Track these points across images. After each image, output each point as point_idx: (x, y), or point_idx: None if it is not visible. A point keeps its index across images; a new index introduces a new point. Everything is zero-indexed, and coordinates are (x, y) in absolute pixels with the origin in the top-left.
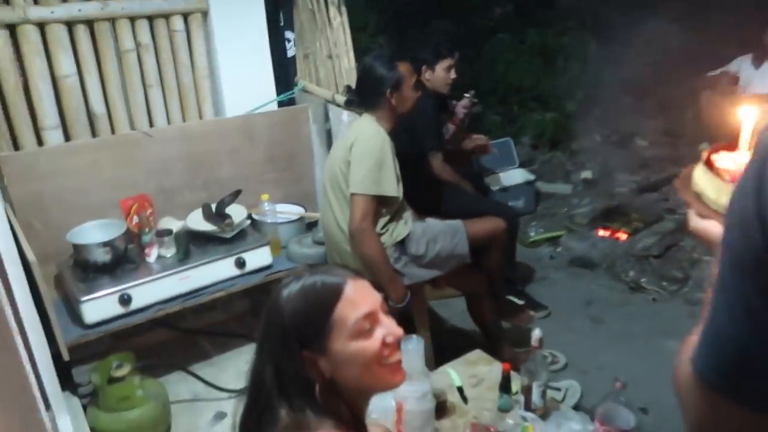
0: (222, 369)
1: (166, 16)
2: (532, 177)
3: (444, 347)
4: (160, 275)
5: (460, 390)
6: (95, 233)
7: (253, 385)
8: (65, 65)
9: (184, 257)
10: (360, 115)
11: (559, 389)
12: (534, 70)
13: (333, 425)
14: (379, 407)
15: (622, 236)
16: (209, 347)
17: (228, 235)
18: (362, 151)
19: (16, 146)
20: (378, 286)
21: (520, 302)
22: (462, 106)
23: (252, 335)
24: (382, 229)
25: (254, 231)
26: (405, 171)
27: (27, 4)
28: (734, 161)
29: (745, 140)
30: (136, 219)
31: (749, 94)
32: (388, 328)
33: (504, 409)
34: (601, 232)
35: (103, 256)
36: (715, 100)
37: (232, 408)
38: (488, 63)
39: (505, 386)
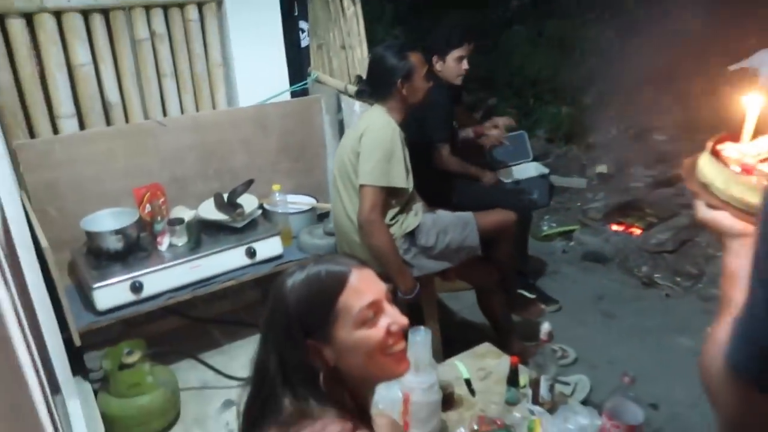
0: (232, 357)
1: (181, 6)
2: (546, 170)
3: (453, 340)
4: (171, 263)
5: (468, 382)
6: (108, 221)
7: (257, 373)
8: (81, 54)
9: (195, 246)
10: (371, 106)
11: (568, 384)
12: (551, 62)
13: (336, 414)
14: (386, 398)
15: (636, 231)
16: (219, 336)
17: (239, 225)
18: (371, 142)
19: (32, 134)
20: (387, 277)
21: (531, 296)
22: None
23: None
24: (391, 220)
25: (265, 221)
26: (415, 162)
27: None
28: (740, 151)
29: (749, 130)
30: (148, 207)
31: None
32: (392, 316)
33: (511, 403)
34: (615, 227)
35: (115, 243)
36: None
37: (238, 396)
38: (504, 55)
39: (512, 379)
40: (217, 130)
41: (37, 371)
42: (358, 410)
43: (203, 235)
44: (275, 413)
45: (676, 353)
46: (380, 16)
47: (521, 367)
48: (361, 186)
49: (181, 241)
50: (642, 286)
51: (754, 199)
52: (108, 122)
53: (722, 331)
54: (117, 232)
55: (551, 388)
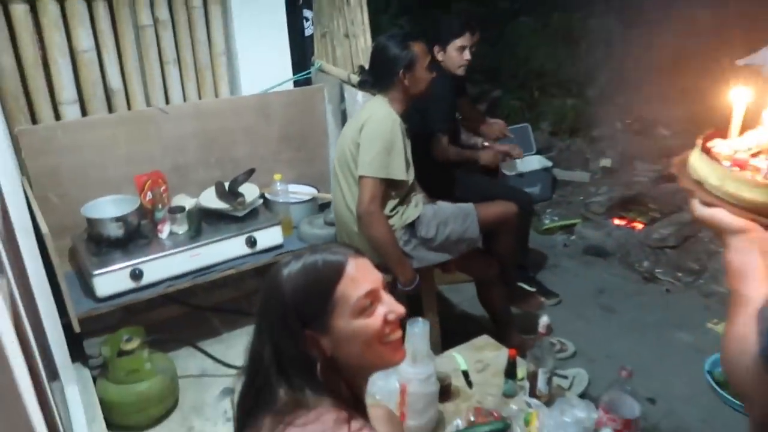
0: (231, 346)
1: None
2: (549, 164)
3: (452, 332)
4: (171, 251)
5: (465, 374)
6: (109, 208)
7: (251, 363)
8: (83, 40)
9: (195, 234)
10: (373, 96)
11: (566, 377)
12: (556, 54)
13: (332, 403)
14: (384, 388)
15: (638, 226)
16: (219, 324)
17: (240, 214)
18: (372, 133)
19: (34, 120)
20: (386, 268)
21: (532, 289)
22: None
23: None
24: (391, 211)
25: (266, 210)
26: (417, 153)
27: None
28: (731, 147)
29: (736, 125)
30: (149, 195)
31: None
32: (389, 305)
33: (508, 395)
34: (617, 221)
35: (116, 230)
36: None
37: (236, 385)
38: (510, 47)
39: (510, 372)
40: (219, 119)
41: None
42: (354, 399)
43: (204, 223)
44: (270, 403)
45: (675, 348)
46: (386, 7)
47: (519, 360)
48: (361, 177)
49: (181, 229)
50: (643, 281)
51: (750, 194)
52: (110, 109)
53: (742, 327)
54: (118, 219)
55: (549, 381)
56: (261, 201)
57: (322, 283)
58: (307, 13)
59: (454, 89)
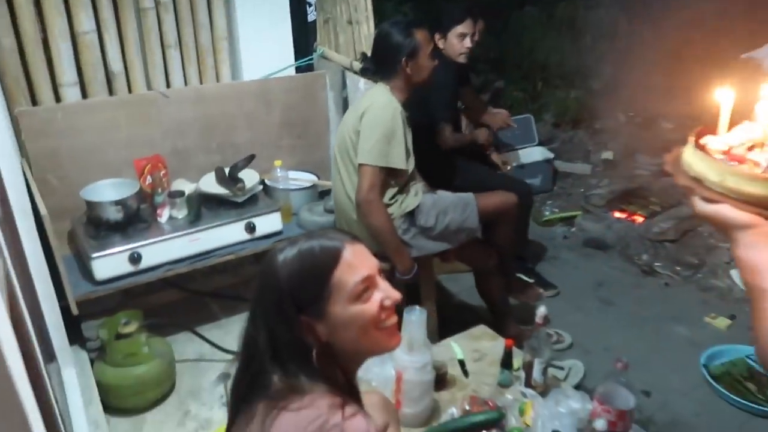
0: (228, 332)
1: None
2: (551, 155)
3: (450, 321)
4: (170, 236)
5: (462, 363)
6: (109, 191)
7: (245, 349)
8: (84, 21)
9: (195, 219)
10: (375, 84)
11: (562, 368)
12: (561, 46)
13: (326, 389)
14: (379, 376)
15: (639, 219)
16: (217, 309)
17: (240, 200)
18: (372, 121)
19: (34, 102)
20: (384, 256)
21: (530, 280)
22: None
23: None
24: (391, 199)
25: (266, 197)
26: (418, 142)
27: None
28: (725, 143)
29: (725, 121)
30: (149, 179)
31: None
32: (385, 291)
33: (504, 385)
34: (617, 214)
35: (115, 214)
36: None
37: (231, 370)
38: (515, 37)
39: (506, 362)
40: (220, 104)
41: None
42: (348, 385)
43: (203, 208)
44: (264, 389)
45: (672, 342)
46: None
47: (515, 350)
48: (360, 165)
49: (181, 213)
50: (642, 275)
51: (752, 188)
52: (110, 92)
53: None
54: (117, 202)
55: (544, 372)
56: (261, 187)
57: (319, 269)
58: None
59: (456, 78)
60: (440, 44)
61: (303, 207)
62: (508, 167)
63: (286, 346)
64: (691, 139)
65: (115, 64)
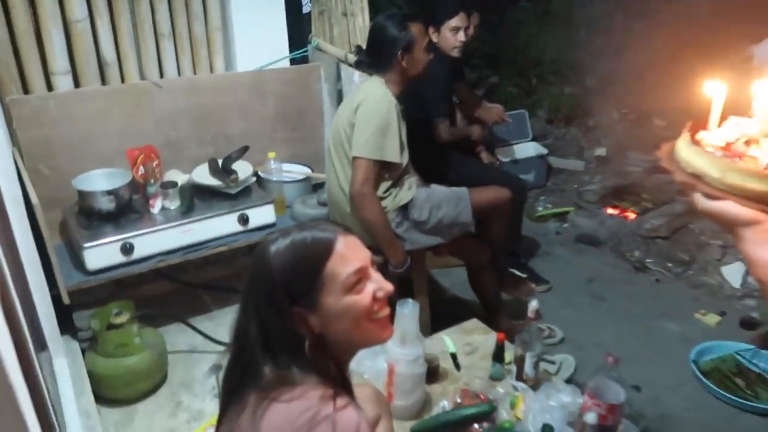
0: (221, 323)
1: None
2: (544, 151)
3: (442, 315)
4: (162, 226)
5: (454, 356)
6: (101, 181)
7: (236, 341)
8: (77, 9)
9: (187, 210)
10: (370, 76)
11: (553, 362)
12: (555, 42)
13: (318, 381)
14: (372, 368)
15: (631, 216)
16: (210, 301)
17: (233, 191)
18: (367, 114)
19: (26, 90)
20: (378, 250)
21: (523, 275)
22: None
23: None
24: (384, 193)
25: (259, 189)
26: (412, 136)
27: None
28: (723, 139)
29: (716, 116)
30: (142, 169)
31: None
32: (378, 283)
33: (496, 378)
34: (610, 211)
35: (107, 204)
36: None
37: (222, 362)
38: (510, 33)
39: (498, 355)
40: (213, 95)
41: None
42: (340, 377)
43: (196, 199)
44: (255, 380)
45: (662, 338)
46: None
47: (507, 344)
48: (354, 158)
49: (173, 204)
50: (633, 271)
51: (755, 185)
52: (103, 81)
53: None
54: (109, 192)
55: (536, 366)
56: (254, 179)
57: (312, 260)
58: None
59: (451, 72)
60: (434, 38)
61: (296, 199)
62: (497, 164)
63: (278, 338)
64: (686, 134)
65: (108, 53)
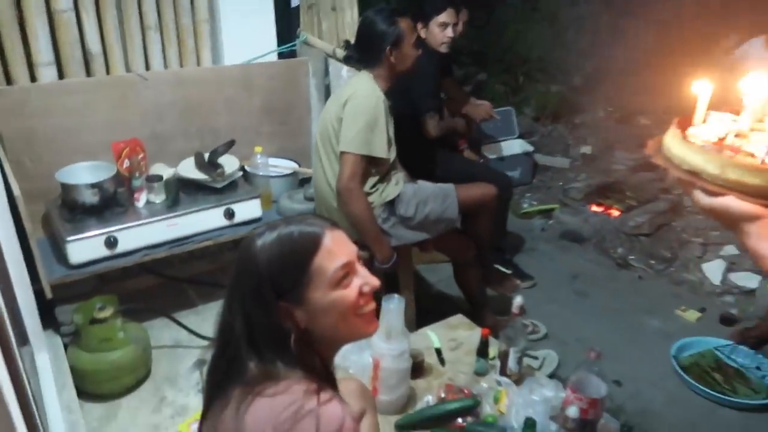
0: (206, 318)
1: None
2: (530, 148)
3: (428, 310)
4: (147, 220)
5: (438, 352)
6: (85, 174)
7: (220, 335)
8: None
9: (173, 204)
10: (358, 71)
11: (536, 358)
12: (543, 40)
13: (302, 375)
14: (357, 363)
15: (615, 213)
16: (195, 296)
17: (219, 185)
18: (355, 109)
19: (9, 81)
20: (364, 245)
21: (508, 271)
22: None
23: None
24: (371, 188)
25: (246, 183)
26: (400, 132)
27: None
28: (715, 133)
29: (701, 113)
30: (127, 163)
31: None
32: (364, 277)
33: (480, 373)
34: (595, 208)
35: (91, 197)
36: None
37: (207, 356)
38: (497, 30)
39: (482, 351)
40: (200, 88)
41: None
42: (325, 371)
43: (182, 193)
44: (240, 375)
45: (644, 333)
46: None
47: (492, 340)
48: (342, 153)
49: (158, 198)
50: (616, 267)
51: (754, 180)
52: (88, 73)
53: None
54: (93, 185)
55: (519, 361)
56: (241, 173)
57: (299, 255)
58: None
59: (439, 68)
60: (422, 33)
61: (283, 194)
62: (480, 162)
63: (264, 332)
64: (677, 132)
65: (93, 45)
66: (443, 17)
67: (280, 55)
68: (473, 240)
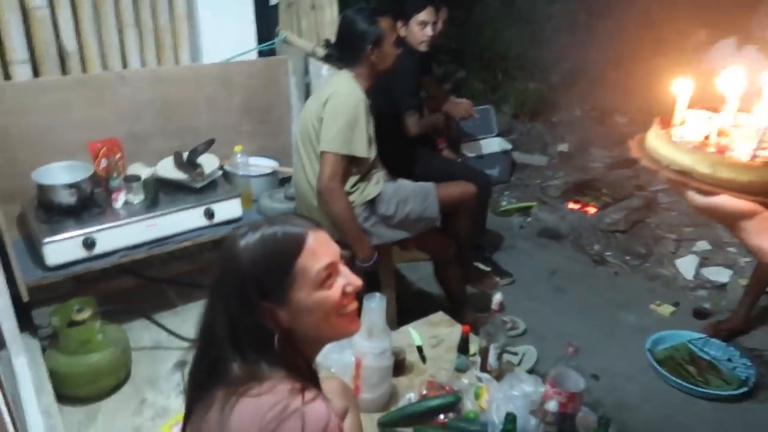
0: (186, 319)
1: None
2: (509, 146)
3: (408, 308)
4: (126, 221)
5: (420, 349)
6: (61, 174)
7: (203, 336)
8: None
9: (151, 204)
10: (339, 70)
11: (516, 354)
12: (521, 38)
13: (286, 375)
14: (339, 362)
15: (591, 210)
16: (175, 297)
17: (198, 185)
18: (335, 108)
19: None
20: (345, 244)
21: (487, 269)
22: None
23: None
24: (352, 187)
25: (225, 182)
26: (380, 131)
27: None
28: (700, 132)
29: (680, 113)
30: (104, 162)
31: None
32: (347, 278)
33: (461, 370)
34: (572, 205)
35: (68, 198)
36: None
37: (188, 358)
38: (476, 28)
39: (463, 348)
40: (179, 86)
41: None
42: (308, 371)
43: (161, 193)
44: (223, 376)
45: (620, 328)
46: None
47: (472, 337)
48: (322, 152)
49: (137, 198)
50: (593, 264)
51: (747, 177)
52: (64, 71)
53: None
54: (70, 186)
55: (499, 357)
56: (220, 173)
57: (283, 255)
58: None
59: (419, 66)
60: (402, 32)
61: (263, 193)
62: (458, 161)
63: (247, 333)
64: (660, 131)
65: (69, 42)
66: (423, 16)
67: (260, 54)
68: (453, 238)
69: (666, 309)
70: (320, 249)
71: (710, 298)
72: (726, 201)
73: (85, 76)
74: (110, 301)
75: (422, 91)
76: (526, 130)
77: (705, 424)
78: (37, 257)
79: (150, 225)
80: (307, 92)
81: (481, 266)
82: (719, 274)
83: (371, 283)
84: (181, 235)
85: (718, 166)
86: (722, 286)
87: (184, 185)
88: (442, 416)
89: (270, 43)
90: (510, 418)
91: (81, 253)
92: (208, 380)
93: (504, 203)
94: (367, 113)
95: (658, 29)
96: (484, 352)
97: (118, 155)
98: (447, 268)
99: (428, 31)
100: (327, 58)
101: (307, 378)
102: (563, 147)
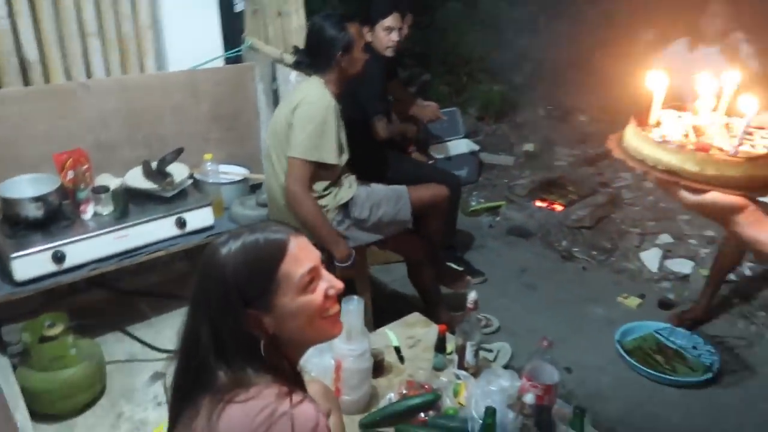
0: (159, 330)
1: None
2: (476, 147)
3: (384, 310)
4: (95, 233)
5: (397, 350)
6: (27, 188)
7: (185, 345)
8: None
9: (121, 215)
10: (309, 77)
11: (491, 350)
12: (484, 41)
13: (272, 379)
14: (319, 365)
15: (558, 207)
16: (147, 309)
17: (168, 194)
18: (305, 114)
19: None
20: (322, 247)
21: (459, 268)
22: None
23: None
24: (325, 191)
25: (196, 191)
26: (350, 135)
27: None
28: (677, 132)
29: (657, 110)
30: (71, 174)
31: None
32: (329, 281)
33: (438, 368)
34: (539, 203)
35: (34, 211)
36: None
37: (166, 368)
38: (440, 31)
39: (440, 346)
40: (145, 95)
41: None
42: (293, 374)
43: (130, 204)
44: (208, 384)
45: (589, 321)
46: None
47: (448, 335)
48: (290, 158)
49: (106, 210)
50: (561, 260)
51: (733, 172)
52: (26, 82)
53: None
54: (37, 199)
55: (476, 354)
56: (190, 181)
57: (266, 262)
58: None
59: (385, 71)
60: (368, 37)
61: (235, 201)
62: (429, 163)
63: (232, 341)
64: (639, 131)
65: (31, 53)
66: (389, 21)
67: (227, 61)
68: (425, 239)
69: (633, 301)
70: (302, 254)
71: (674, 289)
72: (717, 197)
73: (48, 87)
74: (82, 315)
75: (389, 95)
76: (491, 131)
77: (674, 409)
78: (5, 273)
79: (120, 236)
80: (275, 98)
81: (454, 266)
82: (682, 266)
83: (346, 286)
84: (152, 246)
85: (705, 164)
86: (685, 278)
87: (154, 195)
88: (422, 414)
89: (236, 50)
90: (489, 412)
91: (50, 267)
92: (192, 389)
93: (473, 203)
94: (338, 119)
95: (615, 29)
96: (460, 350)
97: (85, 166)
98: (420, 269)
99: (394, 36)
100: (296, 65)
101: (293, 381)
102: (528, 146)
